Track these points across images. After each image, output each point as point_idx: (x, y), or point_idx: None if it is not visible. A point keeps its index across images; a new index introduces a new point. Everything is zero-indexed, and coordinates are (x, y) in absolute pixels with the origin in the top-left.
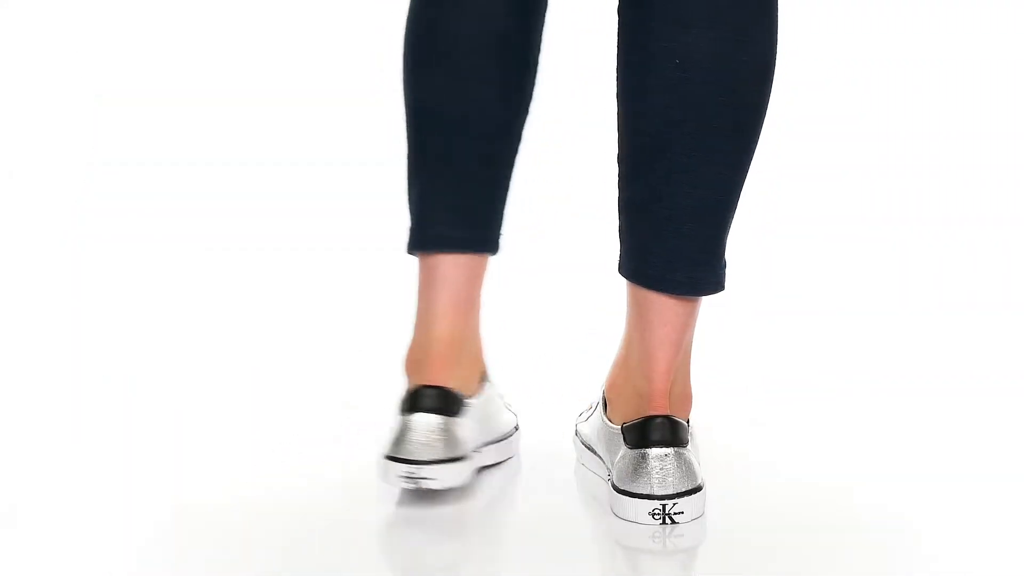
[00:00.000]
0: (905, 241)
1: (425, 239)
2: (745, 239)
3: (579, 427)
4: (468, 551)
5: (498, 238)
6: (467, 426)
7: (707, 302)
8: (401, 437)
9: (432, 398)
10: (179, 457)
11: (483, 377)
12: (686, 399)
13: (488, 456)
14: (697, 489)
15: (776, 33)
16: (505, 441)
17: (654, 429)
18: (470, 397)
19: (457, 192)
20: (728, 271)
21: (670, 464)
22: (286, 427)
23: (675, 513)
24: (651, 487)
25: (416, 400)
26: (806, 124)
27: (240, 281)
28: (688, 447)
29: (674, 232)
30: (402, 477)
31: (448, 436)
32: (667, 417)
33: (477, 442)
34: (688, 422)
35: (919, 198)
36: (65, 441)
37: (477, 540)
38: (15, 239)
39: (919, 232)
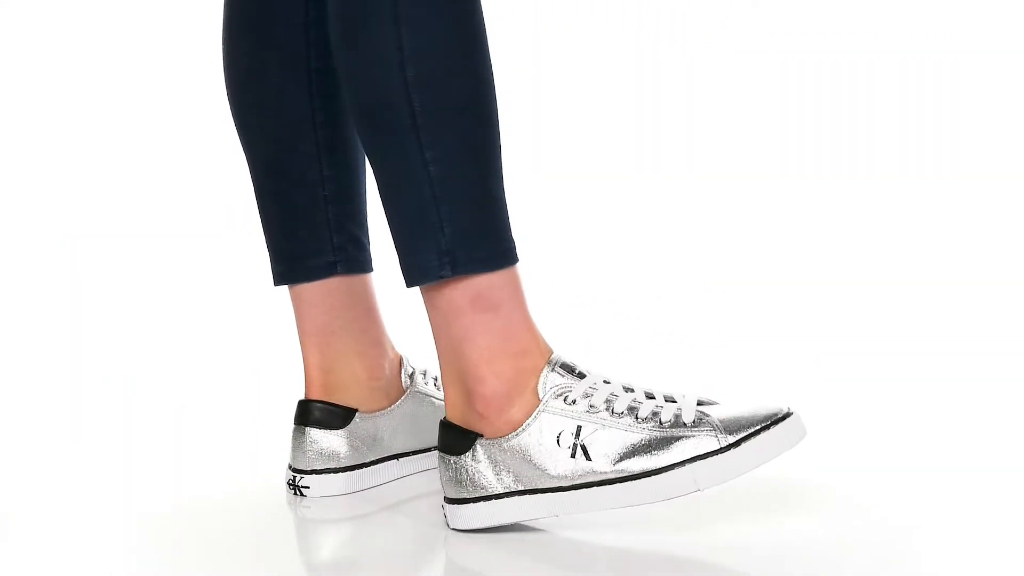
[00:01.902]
0: (904, 251)
1: (272, 274)
2: (740, 237)
3: None
4: (467, 550)
5: (335, 261)
6: (348, 439)
7: (716, 300)
8: (291, 446)
9: (311, 412)
10: (179, 457)
11: (395, 392)
12: (466, 399)
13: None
14: (470, 499)
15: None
16: None
17: None
18: (370, 411)
19: (274, 227)
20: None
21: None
22: (285, 426)
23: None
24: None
25: (297, 413)
26: (817, 125)
27: (240, 281)
28: (464, 455)
29: (390, 219)
30: (288, 483)
31: (322, 448)
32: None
33: (381, 452)
34: (515, 426)
35: (923, 194)
36: (65, 441)
37: (474, 538)
38: (15, 239)
39: (924, 237)
